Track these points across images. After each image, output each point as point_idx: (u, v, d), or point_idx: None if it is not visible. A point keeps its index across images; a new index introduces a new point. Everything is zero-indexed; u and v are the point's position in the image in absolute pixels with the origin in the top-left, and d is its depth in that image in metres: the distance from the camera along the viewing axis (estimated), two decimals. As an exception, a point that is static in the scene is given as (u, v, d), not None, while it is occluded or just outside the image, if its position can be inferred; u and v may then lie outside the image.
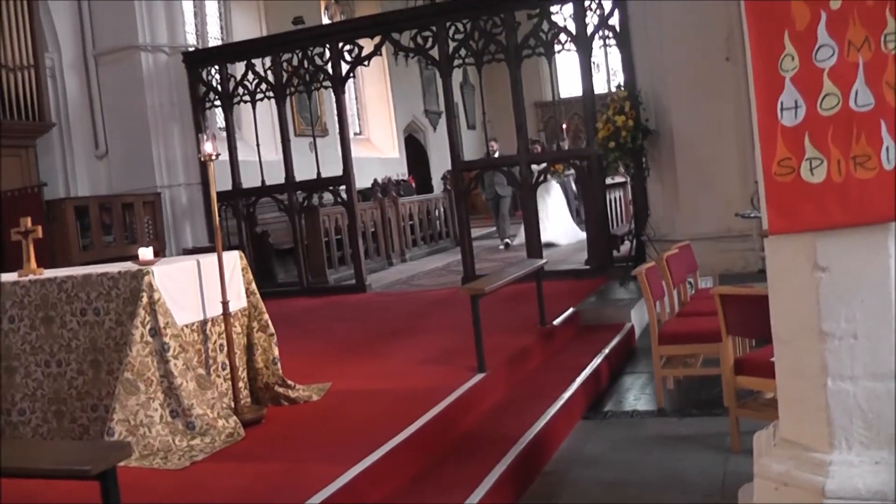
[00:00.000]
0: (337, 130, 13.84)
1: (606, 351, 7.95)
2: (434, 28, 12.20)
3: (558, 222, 16.57)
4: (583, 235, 15.11)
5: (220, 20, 18.94)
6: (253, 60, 13.45)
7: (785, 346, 3.39)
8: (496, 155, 16.10)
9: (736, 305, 5.43)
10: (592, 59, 12.11)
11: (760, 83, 3.25)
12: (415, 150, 26.00)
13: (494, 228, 18.05)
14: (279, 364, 6.40)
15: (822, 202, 3.15)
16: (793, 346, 3.33)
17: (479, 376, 6.66)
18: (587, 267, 11.85)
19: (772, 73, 3.21)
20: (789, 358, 3.37)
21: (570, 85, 26.61)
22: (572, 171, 13.58)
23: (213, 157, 5.92)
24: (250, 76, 13.40)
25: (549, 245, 14.96)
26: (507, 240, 16.88)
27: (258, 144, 13.29)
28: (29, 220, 6.27)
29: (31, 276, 5.92)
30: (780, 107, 3.20)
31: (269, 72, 13.32)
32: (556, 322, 8.66)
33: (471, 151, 20.09)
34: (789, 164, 3.19)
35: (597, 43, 11.80)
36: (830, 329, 3.18)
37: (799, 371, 3.30)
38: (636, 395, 7.18)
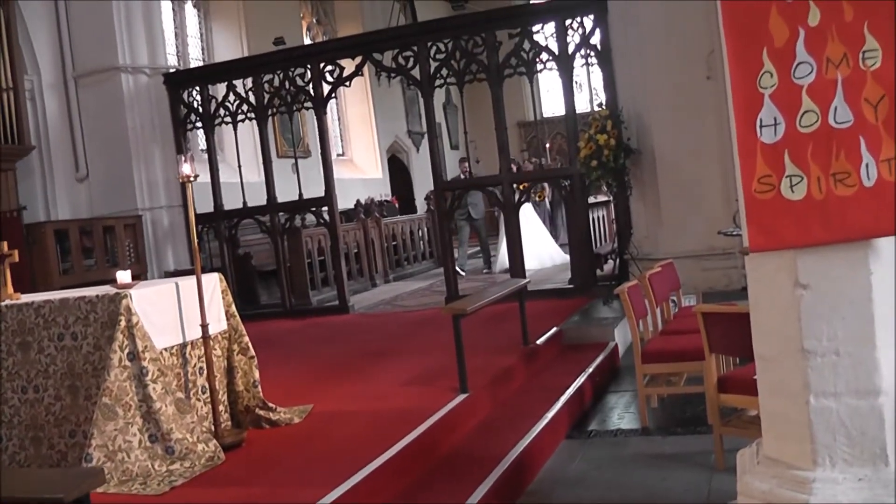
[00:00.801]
0: (319, 152, 13.85)
1: (590, 370, 7.93)
2: (415, 48, 12.22)
3: (537, 245, 15.96)
4: (566, 258, 15.14)
5: (201, 41, 18.94)
6: (234, 81, 13.44)
7: (767, 363, 3.38)
8: (466, 176, 15.81)
9: (718, 323, 5.42)
10: (574, 78, 12.15)
11: (739, 100, 3.24)
12: (398, 171, 26.02)
13: (477, 249, 17.72)
14: (260, 387, 6.36)
15: (802, 219, 3.14)
16: (775, 363, 3.32)
17: (462, 396, 6.63)
18: (570, 286, 11.86)
19: (751, 90, 3.21)
20: (771, 375, 3.35)
21: (553, 104, 26.73)
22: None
23: (192, 179, 5.89)
24: (231, 97, 13.38)
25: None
26: (465, 268, 16.13)
27: (240, 166, 13.26)
28: (6, 244, 6.21)
29: (7, 301, 5.86)
30: (759, 124, 3.19)
31: (250, 93, 13.31)
32: (539, 341, 8.64)
33: (454, 171, 20.10)
34: (769, 182, 3.18)
35: (578, 62, 11.85)
36: (812, 346, 3.16)
37: (781, 388, 3.29)
38: (620, 414, 7.15)
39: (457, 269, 15.36)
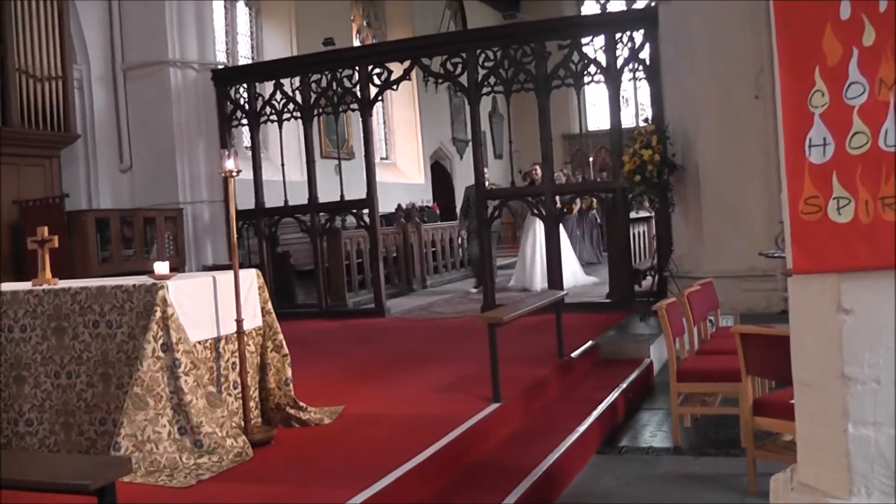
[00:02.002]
0: (363, 154, 13.88)
1: (624, 385, 7.87)
2: (464, 55, 12.22)
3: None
4: (590, 279, 14.77)
5: (251, 39, 19.07)
6: (281, 80, 13.51)
7: (806, 388, 3.31)
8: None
9: (757, 345, 5.34)
10: (621, 93, 12.10)
11: (789, 119, 3.18)
12: (441, 177, 26.03)
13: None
14: (291, 385, 6.36)
15: (848, 243, 3.08)
16: (814, 389, 3.25)
17: (494, 406, 6.59)
18: (608, 300, 11.79)
19: (801, 109, 3.15)
20: (810, 401, 3.29)
21: (597, 118, 26.64)
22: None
23: (234, 174, 5.91)
24: (278, 96, 13.45)
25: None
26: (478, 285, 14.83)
27: (283, 164, 13.31)
28: (46, 229, 6.27)
29: (45, 286, 5.90)
30: (808, 143, 3.13)
31: (297, 92, 13.36)
32: (574, 354, 8.59)
33: (497, 181, 20.07)
34: (816, 203, 3.12)
35: (626, 76, 11.79)
36: (853, 373, 3.10)
37: (819, 415, 3.22)
38: (652, 432, 7.08)
39: (470, 289, 15.15)
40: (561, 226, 14.41)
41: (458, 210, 17.46)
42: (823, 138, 3.11)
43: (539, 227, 13.93)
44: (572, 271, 14.34)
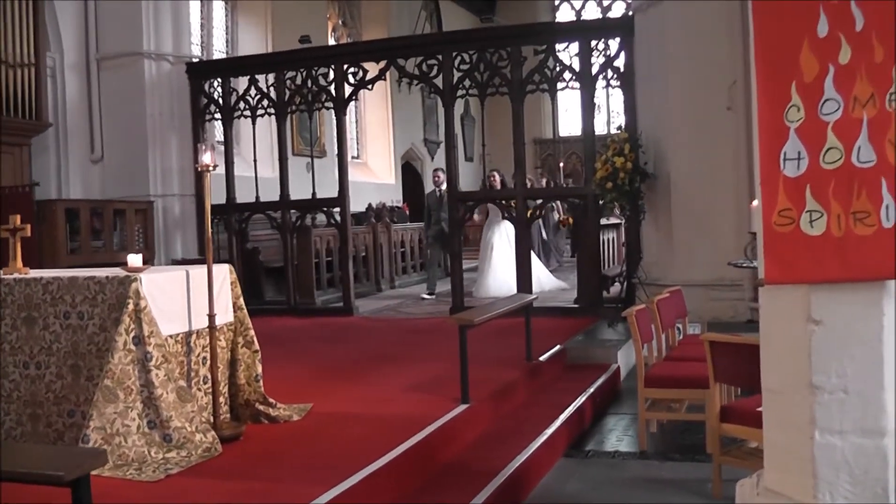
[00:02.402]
0: (335, 152, 13.86)
1: (591, 390, 7.94)
2: (440, 57, 12.26)
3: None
4: (557, 283, 14.59)
5: (227, 33, 19.00)
6: (257, 76, 13.48)
7: (774, 396, 3.38)
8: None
9: (725, 353, 5.42)
10: (595, 99, 12.19)
11: (765, 132, 3.24)
12: (411, 178, 26.04)
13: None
14: (261, 381, 6.37)
15: (819, 255, 3.15)
16: (782, 396, 3.33)
17: (463, 407, 6.63)
18: (576, 306, 11.86)
19: (777, 123, 3.21)
20: (778, 408, 3.36)
21: (569, 124, 26.74)
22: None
23: (211, 168, 5.92)
24: (252, 91, 13.43)
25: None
26: (435, 292, 14.70)
27: (255, 160, 13.29)
28: (18, 217, 6.25)
29: (15, 275, 5.88)
30: (783, 157, 3.20)
31: (271, 88, 13.34)
32: (542, 358, 8.65)
33: (467, 183, 20.12)
34: (789, 215, 3.19)
35: (601, 83, 11.88)
36: (821, 382, 3.17)
37: (787, 422, 3.29)
38: (619, 436, 7.15)
39: (423, 295, 14.59)
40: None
41: None
42: (798, 152, 3.18)
43: (494, 234, 13.96)
44: (537, 277, 13.54)
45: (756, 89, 3.27)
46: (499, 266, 14.07)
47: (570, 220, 16.20)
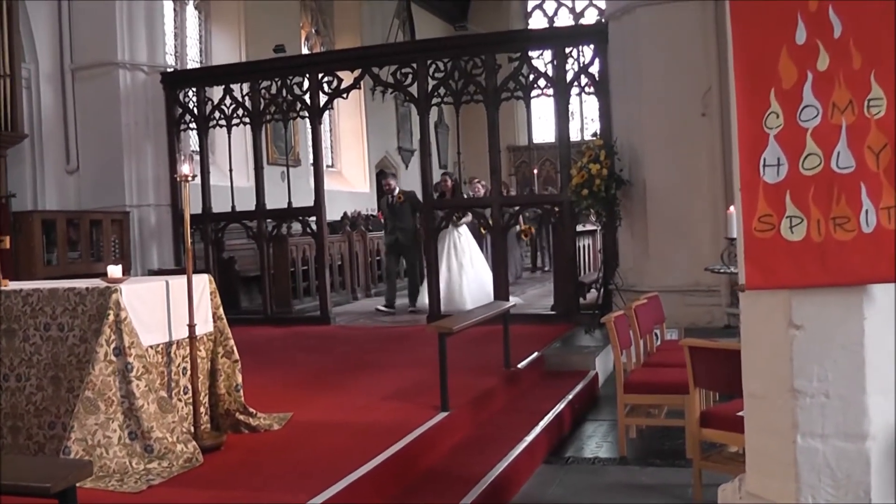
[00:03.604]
0: (310, 161, 13.81)
1: (570, 397, 7.96)
2: (415, 65, 12.25)
3: (476, 282, 13.38)
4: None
5: (200, 42, 18.95)
6: (231, 85, 13.44)
7: (756, 400, 3.41)
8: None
9: (705, 358, 5.45)
10: (569, 106, 12.23)
11: (744, 138, 3.27)
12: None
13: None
14: (242, 391, 6.35)
15: (800, 260, 3.18)
16: (764, 401, 3.35)
17: (443, 415, 6.64)
18: (553, 312, 11.89)
19: (756, 129, 3.24)
20: (760, 413, 3.39)
21: (543, 131, 26.81)
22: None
23: (190, 179, 5.91)
24: (228, 101, 13.37)
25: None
26: (395, 303, 13.89)
27: (231, 170, 13.25)
28: (-2, 230, 6.21)
29: (-5, 288, 5.85)
30: (762, 163, 3.23)
31: (246, 98, 13.31)
32: (520, 365, 8.66)
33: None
34: (769, 221, 3.21)
35: (575, 90, 11.91)
36: (802, 387, 3.20)
37: (769, 426, 3.32)
38: (598, 443, 7.17)
39: (379, 307, 13.89)
40: (471, 241, 13.75)
41: None
42: (777, 158, 3.21)
43: (446, 244, 13.41)
44: (486, 292, 12.85)
45: (734, 96, 3.29)
46: (444, 277, 13.09)
47: (532, 230, 15.93)
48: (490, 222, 12.12)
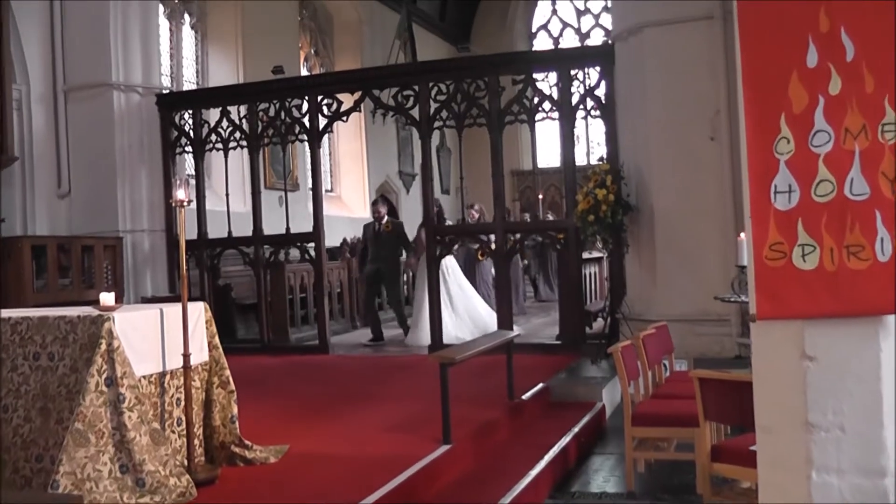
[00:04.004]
0: (308, 185, 13.81)
1: (576, 429, 7.93)
2: (416, 87, 12.30)
3: (467, 312, 13.32)
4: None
5: (197, 63, 19.00)
6: (229, 107, 13.48)
7: (768, 435, 3.38)
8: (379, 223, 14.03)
9: (715, 390, 5.43)
10: (574, 129, 12.25)
11: (754, 164, 3.26)
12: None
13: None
14: (237, 423, 6.34)
15: (812, 290, 3.16)
16: (777, 435, 3.32)
17: (445, 448, 6.62)
18: (558, 342, 11.87)
19: (766, 155, 3.23)
20: (773, 447, 3.36)
21: (547, 155, 26.82)
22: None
23: (185, 203, 5.92)
24: (225, 123, 13.41)
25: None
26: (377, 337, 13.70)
27: (227, 194, 13.27)
28: (-14, 256, 6.22)
29: (-17, 316, 5.84)
30: (773, 189, 3.22)
31: (244, 120, 13.34)
32: (525, 397, 8.65)
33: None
34: (781, 249, 3.20)
35: (580, 113, 11.92)
36: (817, 420, 3.18)
37: (782, 461, 3.29)
38: (605, 477, 7.14)
39: (366, 342, 13.63)
40: (457, 270, 13.57)
41: None
42: (789, 185, 3.20)
43: (453, 271, 13.23)
44: (473, 320, 13.13)
45: (744, 120, 3.28)
46: (447, 307, 12.90)
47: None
48: (493, 248, 12.09)
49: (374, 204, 14.47)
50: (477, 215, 14.83)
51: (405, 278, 15.53)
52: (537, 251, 19.32)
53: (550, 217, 20.48)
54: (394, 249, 13.93)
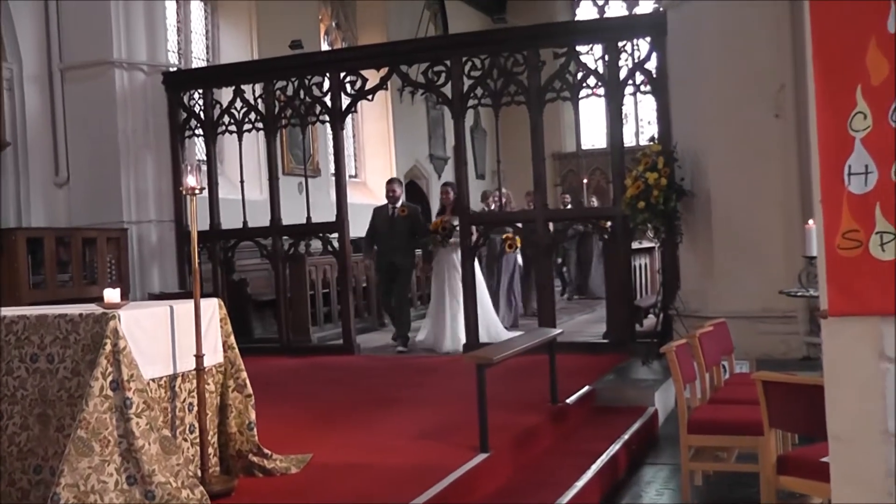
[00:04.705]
0: (331, 171, 13.82)
1: (626, 437, 7.91)
2: (448, 62, 12.26)
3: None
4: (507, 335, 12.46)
5: (207, 38, 19.04)
6: (243, 86, 13.49)
7: (842, 445, 3.34)
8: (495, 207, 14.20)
9: (781, 394, 5.37)
10: (622, 108, 12.19)
11: (826, 143, 3.21)
12: (416, 199, 26.00)
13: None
14: (255, 429, 6.35)
15: (892, 283, 3.12)
16: (852, 445, 3.29)
17: (482, 456, 6.62)
18: (605, 341, 11.84)
19: (840, 133, 3.18)
20: (847, 459, 3.32)
21: (591, 135, 26.77)
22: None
23: (196, 191, 5.93)
24: (238, 104, 13.44)
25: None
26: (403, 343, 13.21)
27: (242, 181, 13.31)
28: (-25, 250, 6.25)
29: (-25, 314, 5.87)
30: (847, 171, 3.17)
31: (259, 100, 13.36)
32: (569, 401, 8.64)
33: (477, 204, 20.08)
34: (856, 238, 3.15)
35: (629, 89, 11.86)
36: (896, 429, 3.15)
37: (858, 474, 3.26)
38: (658, 490, 7.11)
39: (399, 348, 13.18)
40: (478, 266, 13.01)
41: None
42: (865, 166, 3.15)
43: (452, 267, 12.81)
44: (485, 326, 12.66)
45: (814, 95, 3.23)
46: (460, 313, 12.58)
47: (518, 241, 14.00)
48: (532, 238, 12.06)
49: (389, 183, 13.68)
50: (495, 204, 14.65)
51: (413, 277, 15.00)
52: (578, 241, 19.25)
53: (595, 203, 20.44)
54: (407, 239, 13.29)
